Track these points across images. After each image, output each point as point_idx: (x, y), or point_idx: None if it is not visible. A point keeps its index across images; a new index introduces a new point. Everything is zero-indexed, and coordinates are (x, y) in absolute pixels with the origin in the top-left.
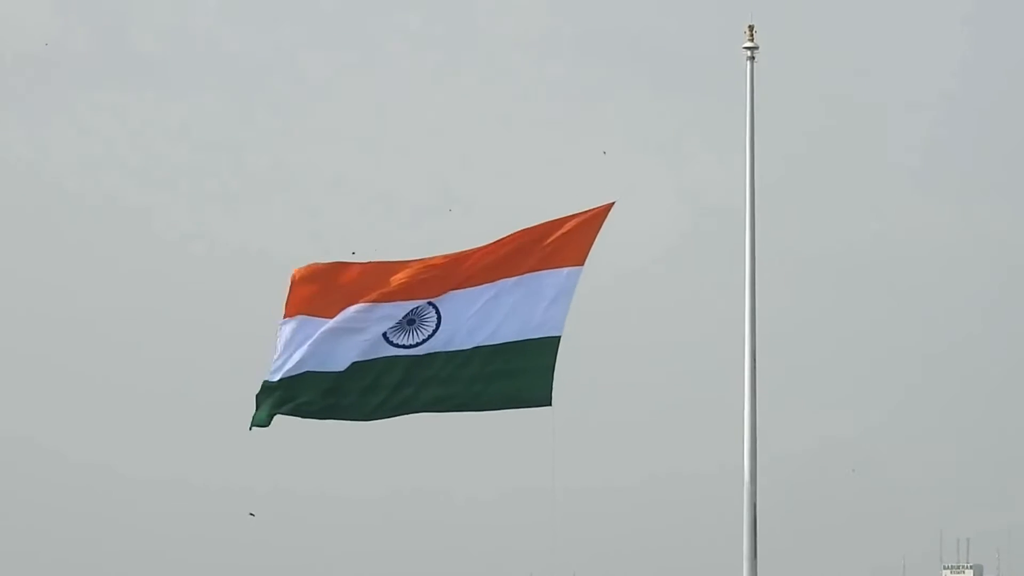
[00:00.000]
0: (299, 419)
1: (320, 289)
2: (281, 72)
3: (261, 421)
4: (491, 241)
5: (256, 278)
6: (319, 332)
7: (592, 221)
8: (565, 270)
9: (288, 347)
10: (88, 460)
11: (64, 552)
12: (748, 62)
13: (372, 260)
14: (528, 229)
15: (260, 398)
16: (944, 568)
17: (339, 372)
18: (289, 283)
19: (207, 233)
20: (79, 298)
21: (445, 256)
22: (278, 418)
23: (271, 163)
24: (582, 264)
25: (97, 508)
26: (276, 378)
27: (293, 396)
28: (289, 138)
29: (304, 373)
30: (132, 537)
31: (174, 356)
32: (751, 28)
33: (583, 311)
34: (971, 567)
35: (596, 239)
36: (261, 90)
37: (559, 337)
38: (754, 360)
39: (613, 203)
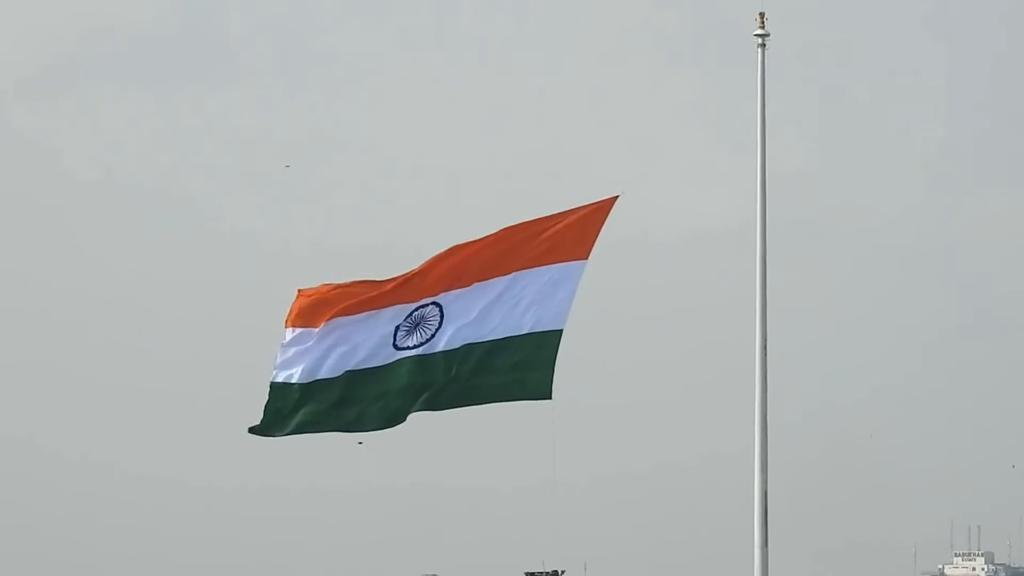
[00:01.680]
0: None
1: (324, 303)
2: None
3: (272, 430)
4: (493, 233)
5: (271, 273)
6: (323, 339)
7: (596, 214)
8: (569, 264)
9: (294, 352)
10: (84, 458)
11: (62, 550)
12: (759, 49)
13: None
14: (532, 222)
15: (271, 404)
16: (955, 555)
17: (345, 378)
18: (296, 298)
19: (220, 228)
20: (83, 297)
21: (447, 251)
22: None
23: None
24: (586, 258)
25: (93, 505)
26: (280, 380)
27: (301, 404)
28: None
29: (313, 381)
30: (128, 535)
31: (167, 355)
32: (762, 15)
33: (589, 300)
34: (982, 554)
35: (601, 232)
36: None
37: (561, 331)
38: (765, 348)
39: (617, 196)
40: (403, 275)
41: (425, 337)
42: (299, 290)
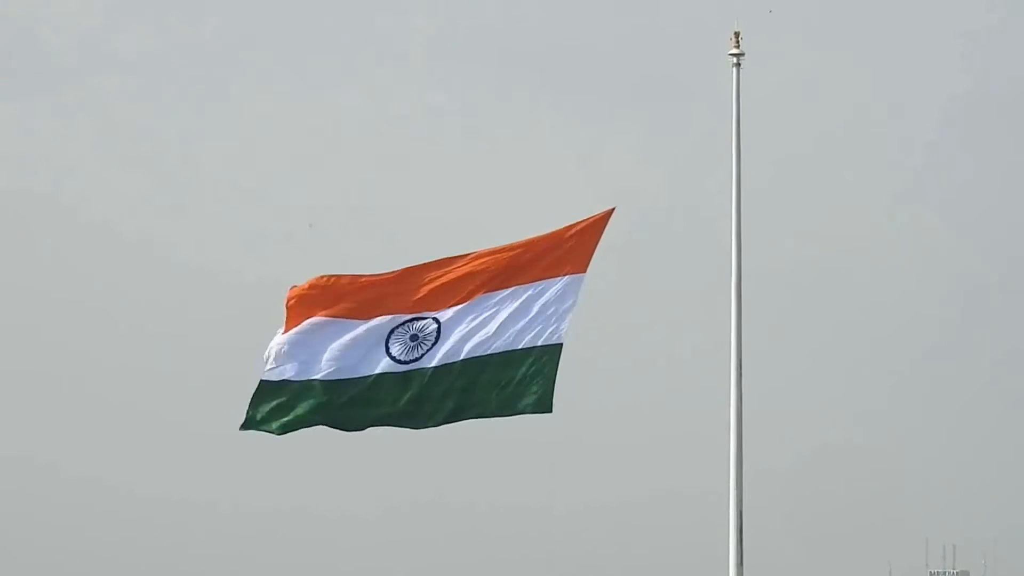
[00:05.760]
0: (293, 435)
1: (320, 298)
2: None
3: (259, 425)
4: (492, 248)
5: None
6: (318, 340)
7: (593, 228)
8: (568, 278)
9: (290, 351)
10: (94, 476)
11: (61, 571)
12: (734, 69)
13: (370, 274)
14: (530, 239)
15: (258, 400)
16: (930, 574)
17: (341, 383)
18: (287, 299)
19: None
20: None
21: (444, 261)
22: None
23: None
24: (584, 271)
25: (98, 527)
26: (275, 379)
27: (294, 404)
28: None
29: (306, 380)
30: (138, 557)
31: (169, 372)
32: (737, 35)
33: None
34: (957, 574)
35: (597, 246)
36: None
37: (561, 345)
38: (740, 367)
39: (613, 209)
40: (390, 274)
41: (423, 351)
42: (291, 287)
